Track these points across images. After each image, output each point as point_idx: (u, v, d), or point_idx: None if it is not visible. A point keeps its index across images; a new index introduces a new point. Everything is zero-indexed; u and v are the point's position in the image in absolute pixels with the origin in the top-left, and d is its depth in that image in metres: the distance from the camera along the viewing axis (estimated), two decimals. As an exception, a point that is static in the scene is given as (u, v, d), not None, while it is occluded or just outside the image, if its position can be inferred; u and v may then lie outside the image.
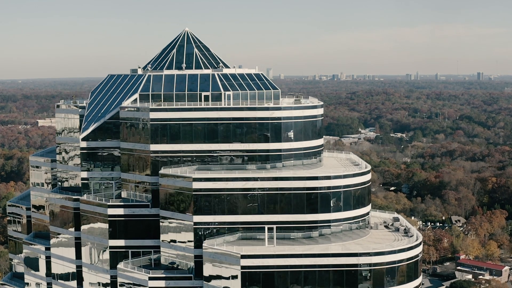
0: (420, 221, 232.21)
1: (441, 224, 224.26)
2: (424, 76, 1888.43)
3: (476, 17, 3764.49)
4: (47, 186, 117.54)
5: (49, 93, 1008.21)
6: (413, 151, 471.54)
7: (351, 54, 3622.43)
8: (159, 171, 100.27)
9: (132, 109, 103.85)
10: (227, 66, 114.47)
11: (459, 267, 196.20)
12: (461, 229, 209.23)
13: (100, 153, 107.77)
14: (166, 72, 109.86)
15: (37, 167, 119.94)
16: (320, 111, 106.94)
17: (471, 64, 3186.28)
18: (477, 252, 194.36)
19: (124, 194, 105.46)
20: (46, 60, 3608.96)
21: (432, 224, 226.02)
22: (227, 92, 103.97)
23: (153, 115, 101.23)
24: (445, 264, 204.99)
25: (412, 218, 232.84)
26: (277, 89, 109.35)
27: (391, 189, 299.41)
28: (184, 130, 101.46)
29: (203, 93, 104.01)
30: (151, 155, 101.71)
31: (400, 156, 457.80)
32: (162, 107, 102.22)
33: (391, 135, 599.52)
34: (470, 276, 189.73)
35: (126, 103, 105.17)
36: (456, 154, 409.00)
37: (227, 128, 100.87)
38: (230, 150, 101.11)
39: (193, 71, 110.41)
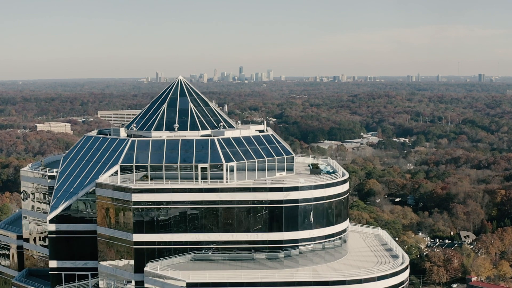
0: (428, 237, 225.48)
1: (449, 241, 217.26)
2: (425, 77, 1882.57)
3: (477, 18, 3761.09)
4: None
5: (49, 95, 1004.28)
6: (417, 157, 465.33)
7: (352, 56, 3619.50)
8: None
9: (111, 187, 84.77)
10: (229, 124, 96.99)
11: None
12: (471, 247, 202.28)
13: (72, 239, 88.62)
14: (155, 134, 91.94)
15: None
16: (346, 186, 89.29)
17: (472, 65, 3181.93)
18: (489, 272, 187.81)
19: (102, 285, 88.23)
20: (47, 61, 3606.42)
21: (440, 240, 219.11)
22: (229, 164, 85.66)
23: (136, 197, 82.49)
24: (454, 286, 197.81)
25: (420, 234, 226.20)
26: (291, 153, 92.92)
27: (396, 200, 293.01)
28: (176, 217, 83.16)
29: (200, 165, 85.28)
30: (134, 246, 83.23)
31: (404, 162, 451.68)
32: (148, 187, 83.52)
33: (394, 139, 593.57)
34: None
35: (104, 177, 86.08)
36: (461, 161, 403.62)
37: (230, 214, 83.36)
38: (234, 242, 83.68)
39: (188, 134, 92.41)
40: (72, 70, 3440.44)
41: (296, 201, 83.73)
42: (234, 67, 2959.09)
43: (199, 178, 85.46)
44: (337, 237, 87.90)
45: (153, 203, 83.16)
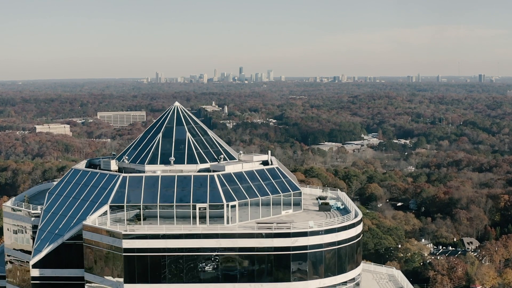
0: (431, 244, 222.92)
1: (453, 248, 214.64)
2: (426, 77, 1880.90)
3: (477, 18, 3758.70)
4: None
5: (48, 96, 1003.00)
6: (418, 159, 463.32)
7: (352, 56, 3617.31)
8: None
9: (99, 230, 76.69)
10: (230, 156, 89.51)
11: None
12: (475, 254, 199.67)
13: (57, 286, 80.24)
14: (149, 169, 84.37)
15: None
16: (359, 228, 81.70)
17: (473, 65, 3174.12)
18: (493, 281, 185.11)
19: None
20: (47, 61, 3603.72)
21: (443, 247, 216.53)
22: (231, 203, 78.42)
23: (127, 243, 74.31)
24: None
25: (422, 240, 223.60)
26: (298, 189, 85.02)
27: (398, 205, 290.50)
28: (172, 265, 75.22)
29: (199, 205, 77.95)
30: None
31: (405, 165, 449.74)
32: (140, 232, 75.39)
33: (394, 141, 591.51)
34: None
35: (92, 218, 78.11)
36: (462, 164, 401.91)
37: (231, 262, 75.70)
38: None
39: (185, 168, 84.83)
40: (72, 70, 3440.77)
41: (305, 247, 75.54)
42: (234, 67, 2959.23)
43: (197, 219, 78.05)
44: (350, 285, 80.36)
45: (146, 250, 75.15)
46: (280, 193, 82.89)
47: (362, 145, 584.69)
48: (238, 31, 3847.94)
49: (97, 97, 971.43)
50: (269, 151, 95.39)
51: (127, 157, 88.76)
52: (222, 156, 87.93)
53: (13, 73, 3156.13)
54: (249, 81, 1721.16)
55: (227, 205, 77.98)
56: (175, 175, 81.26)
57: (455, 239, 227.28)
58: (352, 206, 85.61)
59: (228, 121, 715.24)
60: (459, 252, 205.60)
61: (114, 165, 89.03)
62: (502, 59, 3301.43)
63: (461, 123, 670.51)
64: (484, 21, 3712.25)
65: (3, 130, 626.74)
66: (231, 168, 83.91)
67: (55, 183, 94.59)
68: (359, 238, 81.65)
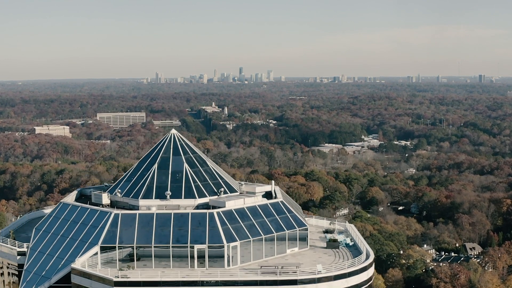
0: (433, 250, 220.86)
1: (455, 254, 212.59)
2: (426, 77, 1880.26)
3: (477, 18, 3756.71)
4: None
5: (48, 96, 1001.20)
6: (418, 161, 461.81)
7: (352, 56, 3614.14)
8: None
9: (89, 275, 70.06)
10: (230, 188, 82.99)
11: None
12: (478, 260, 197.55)
13: None
14: (143, 203, 78.05)
15: None
16: (371, 271, 75.22)
17: (473, 65, 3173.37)
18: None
19: None
20: (46, 61, 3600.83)
21: (446, 253, 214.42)
22: (231, 244, 72.12)
23: None
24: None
25: (425, 246, 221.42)
26: (304, 225, 78.84)
27: (399, 209, 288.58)
28: None
29: (197, 246, 71.38)
30: None
31: (405, 167, 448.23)
32: (133, 279, 68.67)
33: (395, 142, 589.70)
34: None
35: (81, 260, 71.48)
36: (463, 167, 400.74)
37: None
38: None
39: (182, 203, 78.44)
40: (72, 70, 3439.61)
41: None
42: (234, 68, 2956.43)
43: (195, 261, 71.73)
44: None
45: None
46: (285, 230, 76.57)
47: (362, 147, 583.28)
48: (238, 31, 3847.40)
49: (97, 97, 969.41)
50: (273, 181, 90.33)
51: (119, 190, 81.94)
52: (222, 189, 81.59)
53: (13, 73, 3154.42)
54: (249, 82, 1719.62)
55: (228, 246, 71.87)
56: (171, 213, 74.46)
57: (457, 245, 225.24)
58: (363, 242, 79.88)
59: (228, 122, 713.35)
60: (462, 259, 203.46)
61: (106, 199, 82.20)
62: (502, 59, 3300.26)
63: (462, 124, 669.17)
64: (484, 21, 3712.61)
65: (2, 132, 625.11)
66: (232, 203, 77.63)
67: (45, 211, 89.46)
68: (371, 281, 75.30)
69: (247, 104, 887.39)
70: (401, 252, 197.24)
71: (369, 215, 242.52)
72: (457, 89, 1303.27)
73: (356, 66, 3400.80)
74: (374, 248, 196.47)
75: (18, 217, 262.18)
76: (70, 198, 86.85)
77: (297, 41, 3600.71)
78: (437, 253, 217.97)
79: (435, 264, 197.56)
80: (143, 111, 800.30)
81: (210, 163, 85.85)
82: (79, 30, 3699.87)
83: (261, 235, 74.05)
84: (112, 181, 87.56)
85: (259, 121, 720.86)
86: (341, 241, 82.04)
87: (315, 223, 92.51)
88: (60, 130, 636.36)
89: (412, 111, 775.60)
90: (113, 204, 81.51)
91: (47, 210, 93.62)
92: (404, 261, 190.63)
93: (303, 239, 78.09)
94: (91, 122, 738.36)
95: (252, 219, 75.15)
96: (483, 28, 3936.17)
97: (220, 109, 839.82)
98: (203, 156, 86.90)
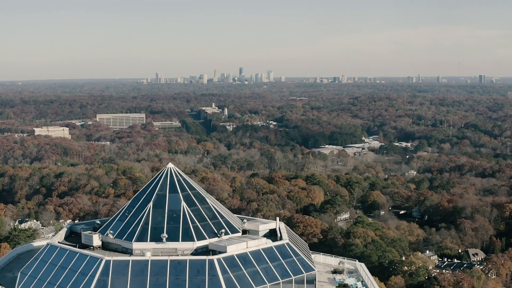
0: (436, 256, 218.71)
1: (458, 261, 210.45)
2: (426, 78, 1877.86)
3: (477, 19, 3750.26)
4: None
5: (48, 97, 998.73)
6: (419, 163, 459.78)
7: (352, 56, 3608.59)
8: None
9: None
10: (232, 228, 76.92)
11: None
12: (481, 267, 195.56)
13: None
14: (137, 247, 71.90)
15: None
16: None
17: (473, 66, 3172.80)
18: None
19: None
20: (46, 61, 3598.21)
21: (448, 260, 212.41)
22: None
23: None
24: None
25: (427, 252, 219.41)
26: (312, 269, 72.20)
27: (401, 213, 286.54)
28: None
29: None
30: None
31: (406, 169, 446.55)
32: None
33: (396, 144, 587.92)
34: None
35: None
36: (465, 169, 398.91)
37: None
38: None
39: (180, 247, 72.37)
40: (72, 70, 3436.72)
41: None
42: (234, 68, 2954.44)
43: None
44: None
45: None
46: (291, 276, 70.20)
47: (363, 148, 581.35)
48: (238, 31, 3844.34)
49: (97, 98, 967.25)
50: (277, 218, 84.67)
51: (111, 231, 75.41)
52: (223, 230, 75.56)
53: (13, 74, 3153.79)
54: (249, 82, 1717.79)
55: None
56: (167, 260, 67.99)
57: (460, 250, 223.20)
58: (374, 286, 73.88)
59: (228, 124, 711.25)
60: (465, 265, 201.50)
61: (97, 240, 75.46)
62: (502, 59, 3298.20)
63: (463, 126, 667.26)
64: (484, 21, 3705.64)
65: (1, 133, 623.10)
66: (234, 248, 71.55)
67: (35, 245, 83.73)
68: None
69: (247, 104, 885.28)
70: (404, 258, 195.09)
71: (370, 220, 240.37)
72: (458, 89, 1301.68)
73: (356, 67, 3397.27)
74: (376, 255, 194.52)
75: (17, 222, 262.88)
76: (59, 237, 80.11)
77: (297, 41, 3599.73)
78: (440, 259, 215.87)
79: (438, 271, 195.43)
80: (143, 112, 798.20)
81: (209, 200, 79.99)
82: (79, 30, 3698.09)
83: (266, 283, 68.27)
84: (101, 222, 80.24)
85: (259, 122, 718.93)
86: (351, 285, 76.29)
87: (322, 261, 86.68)
88: (59, 132, 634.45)
89: (413, 112, 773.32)
90: (105, 246, 75.71)
91: (38, 243, 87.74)
92: (406, 268, 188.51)
93: (311, 281, 71.64)
94: (90, 123, 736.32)
95: (256, 265, 69.39)
96: (483, 28, 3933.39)
97: (220, 110, 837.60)
98: (203, 192, 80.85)
